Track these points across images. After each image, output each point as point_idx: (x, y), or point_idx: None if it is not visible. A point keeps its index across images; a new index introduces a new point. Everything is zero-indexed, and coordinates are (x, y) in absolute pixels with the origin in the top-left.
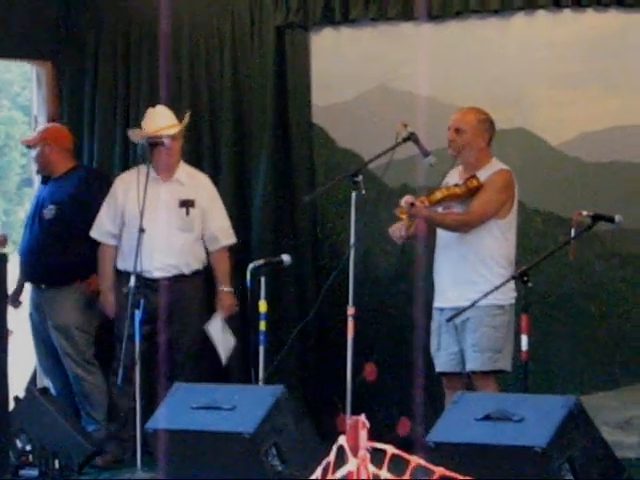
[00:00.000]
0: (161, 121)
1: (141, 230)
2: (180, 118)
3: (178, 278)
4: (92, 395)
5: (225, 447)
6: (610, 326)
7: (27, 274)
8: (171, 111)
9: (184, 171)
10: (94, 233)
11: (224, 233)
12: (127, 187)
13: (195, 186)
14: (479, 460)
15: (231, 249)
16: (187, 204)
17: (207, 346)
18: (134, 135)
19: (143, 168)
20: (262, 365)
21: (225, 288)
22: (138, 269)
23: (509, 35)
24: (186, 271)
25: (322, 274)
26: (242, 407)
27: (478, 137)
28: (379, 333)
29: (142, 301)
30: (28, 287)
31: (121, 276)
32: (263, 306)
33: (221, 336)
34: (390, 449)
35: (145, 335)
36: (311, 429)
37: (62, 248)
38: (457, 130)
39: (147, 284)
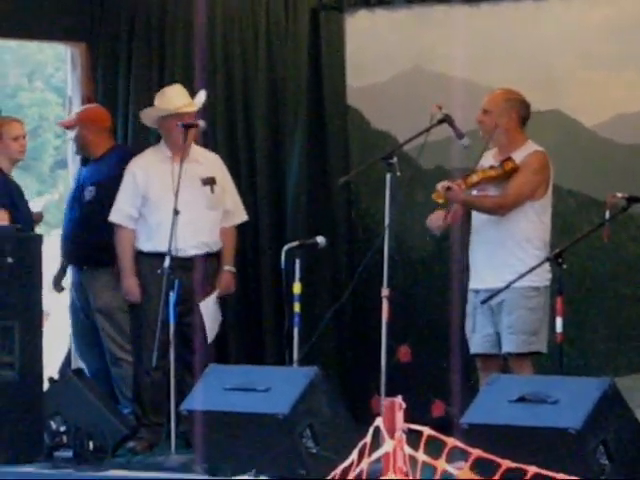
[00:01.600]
0: (178, 100)
1: (176, 212)
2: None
3: (208, 256)
4: (130, 377)
5: (259, 428)
6: None
7: (69, 256)
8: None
9: (195, 150)
10: (114, 217)
11: (239, 210)
12: (145, 169)
13: (210, 163)
14: (513, 442)
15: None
16: (210, 182)
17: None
18: (147, 115)
19: (159, 148)
20: (296, 346)
21: (229, 268)
22: (172, 249)
23: (544, 17)
24: (214, 248)
25: (357, 256)
26: (276, 388)
27: (505, 117)
28: (414, 315)
29: (177, 282)
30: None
31: (147, 258)
32: (297, 288)
33: (212, 314)
34: (427, 431)
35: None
36: (345, 411)
37: (102, 229)
38: (485, 111)
39: (180, 264)
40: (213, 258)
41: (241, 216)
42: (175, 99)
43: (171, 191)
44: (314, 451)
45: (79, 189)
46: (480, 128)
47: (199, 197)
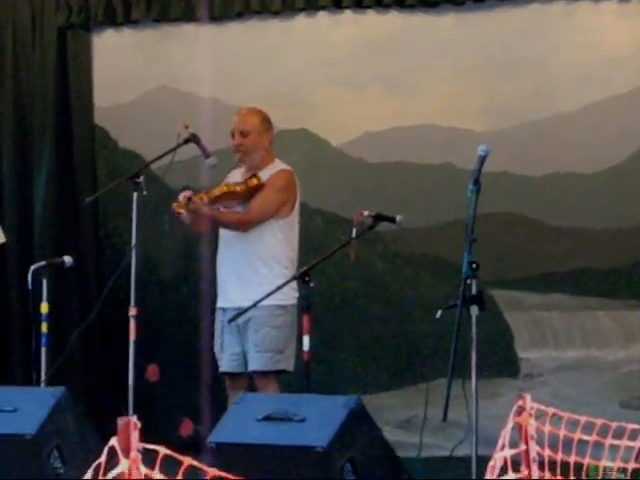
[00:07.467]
0: None
1: None
2: None
3: None
4: None
5: (6, 449)
6: (392, 326)
7: None
8: None
9: None
10: None
11: None
12: None
13: None
14: (261, 461)
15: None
16: None
17: None
18: None
19: None
20: (44, 367)
21: None
22: None
23: (290, 36)
24: None
25: (105, 275)
26: (24, 409)
27: (263, 137)
28: (163, 334)
29: None
30: None
31: None
32: (45, 308)
33: None
34: (162, 450)
35: None
36: (93, 430)
37: None
38: (242, 133)
39: None
40: None
41: None
42: None
43: None
44: (61, 471)
45: None
46: (238, 150)
47: None
